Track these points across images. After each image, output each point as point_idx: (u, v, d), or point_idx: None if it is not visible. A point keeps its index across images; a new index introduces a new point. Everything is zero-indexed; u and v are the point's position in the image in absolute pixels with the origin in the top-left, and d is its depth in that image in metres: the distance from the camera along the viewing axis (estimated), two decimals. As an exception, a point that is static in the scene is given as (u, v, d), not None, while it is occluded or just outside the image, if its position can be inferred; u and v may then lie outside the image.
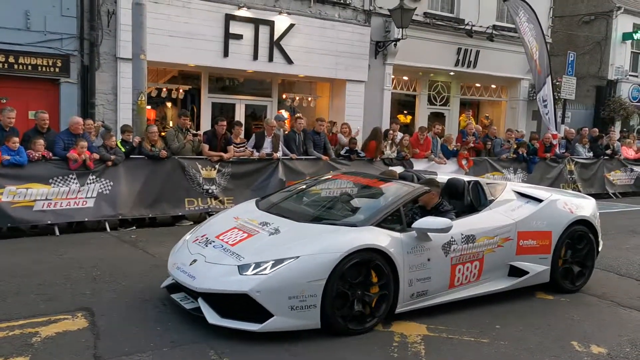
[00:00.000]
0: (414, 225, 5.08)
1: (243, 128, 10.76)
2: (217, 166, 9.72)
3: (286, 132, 11.35)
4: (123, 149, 9.02)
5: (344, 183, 6.48)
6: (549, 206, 6.19)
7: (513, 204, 6.09)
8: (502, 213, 5.92)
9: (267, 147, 10.37)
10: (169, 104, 13.88)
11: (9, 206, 7.95)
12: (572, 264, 6.28)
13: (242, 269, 4.57)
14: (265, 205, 5.87)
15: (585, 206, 6.53)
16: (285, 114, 14.29)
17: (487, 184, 6.35)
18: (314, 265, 4.52)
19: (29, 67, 10.97)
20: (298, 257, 4.55)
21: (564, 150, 14.58)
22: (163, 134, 9.93)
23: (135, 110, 9.67)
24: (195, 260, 4.90)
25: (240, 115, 14.16)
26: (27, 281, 5.92)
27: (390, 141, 11.71)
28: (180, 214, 9.45)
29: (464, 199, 6.12)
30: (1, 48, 10.62)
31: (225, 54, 12.78)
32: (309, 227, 5.09)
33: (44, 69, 11.13)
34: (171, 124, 13.27)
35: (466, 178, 6.42)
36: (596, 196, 14.52)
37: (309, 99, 15.26)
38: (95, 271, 6.36)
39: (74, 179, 8.43)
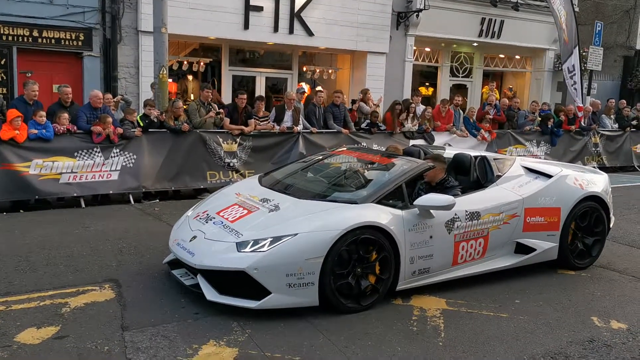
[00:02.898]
0: (415, 203, 5.01)
1: (264, 102, 10.75)
2: (238, 140, 9.77)
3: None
4: (142, 124, 9.11)
5: (348, 159, 6.37)
6: (558, 182, 6.07)
7: (521, 180, 5.98)
8: (509, 189, 5.81)
9: (287, 121, 10.38)
10: (190, 77, 13.92)
11: (36, 179, 8.13)
12: (582, 240, 6.18)
13: (240, 245, 4.56)
14: (268, 182, 5.85)
15: (596, 182, 6.38)
16: (305, 86, 14.24)
17: (494, 159, 6.21)
18: (312, 243, 4.49)
19: (53, 41, 11.08)
20: (296, 234, 4.53)
21: (590, 123, 14.32)
22: (185, 107, 9.98)
23: (157, 84, 9.73)
24: (195, 237, 4.91)
25: (260, 88, 14.15)
26: (55, 253, 6.09)
27: (411, 114, 11.63)
28: (202, 187, 9.56)
29: (470, 175, 6.00)
30: (25, 22, 10.74)
31: (246, 26, 12.73)
32: (309, 204, 5.02)
33: (67, 42, 11.23)
34: (192, 97, 13.34)
35: (473, 153, 6.26)
36: (622, 169, 14.50)
37: (330, 71, 15.17)
38: (120, 243, 6.51)
39: (98, 152, 8.57)
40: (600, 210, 6.24)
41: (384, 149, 7.02)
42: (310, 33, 13.46)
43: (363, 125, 11.26)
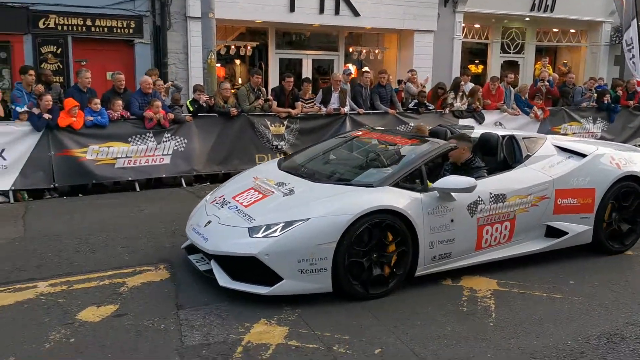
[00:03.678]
0: (434, 185, 4.82)
1: (311, 85, 10.75)
2: (285, 122, 9.83)
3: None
4: (192, 108, 9.28)
5: (368, 141, 6.11)
6: (593, 161, 5.78)
7: (552, 160, 5.71)
8: (539, 170, 5.56)
9: (334, 102, 10.36)
10: (237, 62, 14.06)
11: (93, 164, 8.43)
12: (618, 223, 5.86)
13: (252, 231, 4.49)
14: (286, 165, 5.75)
15: (636, 160, 6.02)
16: (352, 67, 14.15)
17: (524, 138, 5.89)
18: (324, 228, 4.38)
19: (105, 29, 11.39)
20: (308, 219, 4.43)
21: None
22: (233, 91, 10.11)
23: (206, 69, 9.88)
24: (209, 222, 4.87)
25: (307, 70, 14.16)
26: (113, 235, 6.32)
27: (460, 93, 11.40)
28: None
29: (498, 155, 5.73)
30: (79, 11, 11.08)
31: (292, 8, 12.72)
32: (324, 188, 4.91)
33: (118, 30, 11.52)
34: (240, 82, 13.48)
35: (501, 132, 6.00)
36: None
37: (376, 51, 15.01)
38: (173, 225, 6.69)
39: (151, 137, 8.80)
40: (639, 189, 5.88)
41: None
42: (356, 13, 13.34)
43: (410, 105, 11.13)
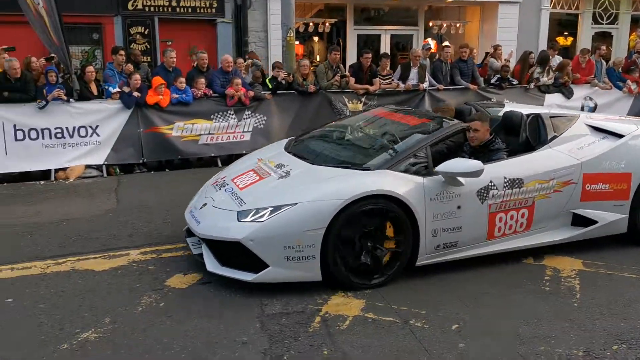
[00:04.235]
0: (437, 168, 4.46)
1: (389, 60, 10.63)
2: (363, 99, 9.81)
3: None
4: (271, 86, 9.44)
5: (380, 120, 5.74)
6: (630, 143, 5.29)
7: (582, 141, 5.24)
8: (565, 152, 5.10)
9: (412, 78, 10.20)
10: (315, 39, 14.10)
11: (179, 140, 8.81)
12: None
13: (240, 215, 4.32)
14: (291, 145, 5.55)
15: None
16: (431, 42, 13.84)
17: (552, 117, 5.39)
18: (312, 213, 4.14)
19: (189, 10, 11.76)
20: (296, 203, 4.20)
21: None
22: (312, 68, 10.17)
23: (285, 47, 9.99)
24: (205, 204, 4.76)
25: (385, 46, 13.99)
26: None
27: (547, 66, 10.90)
28: (329, 146, 9.75)
29: (520, 136, 5.25)
30: (164, -7, 11.47)
31: (370, -17, 12.57)
32: (320, 171, 4.66)
33: (202, 10, 11.85)
34: (318, 59, 13.53)
35: (526, 110, 5.47)
36: None
37: (457, 25, 14.58)
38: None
39: (232, 114, 9.06)
40: None
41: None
42: (436, -14, 13.00)
43: (493, 81, 10.77)
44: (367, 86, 9.83)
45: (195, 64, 9.54)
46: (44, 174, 8.24)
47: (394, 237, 4.37)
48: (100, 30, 11.48)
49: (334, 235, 4.16)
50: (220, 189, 4.93)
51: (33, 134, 8.06)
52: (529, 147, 5.14)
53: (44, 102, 7.97)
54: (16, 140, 7.98)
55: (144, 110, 8.58)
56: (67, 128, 8.25)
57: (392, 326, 3.81)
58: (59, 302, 4.15)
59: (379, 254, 4.33)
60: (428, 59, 10.95)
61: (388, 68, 10.33)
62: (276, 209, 4.23)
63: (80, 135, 8.34)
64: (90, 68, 8.71)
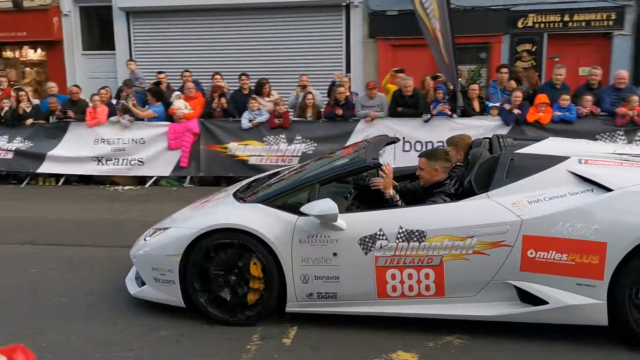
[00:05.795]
0: (302, 208, 4.05)
1: None
2: None
3: None
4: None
5: (333, 155, 5.21)
6: (615, 201, 3.75)
7: (548, 192, 3.88)
8: (507, 204, 3.87)
9: None
10: None
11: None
12: None
13: (146, 234, 4.61)
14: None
15: None
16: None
17: (528, 157, 4.18)
18: (173, 240, 4.26)
19: (582, 23, 11.16)
20: (168, 228, 4.42)
21: None
22: None
23: None
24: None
25: None
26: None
27: None
28: None
29: (466, 180, 4.20)
30: (557, 8, 11.15)
31: None
32: (225, 200, 4.73)
33: (596, 23, 11.11)
34: None
35: (544, 148, 4.36)
36: None
37: None
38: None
39: (622, 135, 8.17)
40: None
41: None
42: None
43: None
44: None
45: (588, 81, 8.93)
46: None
47: (263, 276, 4.09)
48: (487, 49, 11.84)
49: (192, 264, 4.16)
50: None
51: (417, 146, 8.81)
52: (471, 193, 4.03)
53: (429, 116, 8.67)
54: (403, 151, 8.87)
55: (523, 127, 8.46)
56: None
57: None
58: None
59: (240, 291, 4.15)
60: None
61: None
62: (159, 230, 4.50)
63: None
64: (474, 86, 9.06)
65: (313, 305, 4.11)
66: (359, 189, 4.79)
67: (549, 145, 4.51)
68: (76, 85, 10.59)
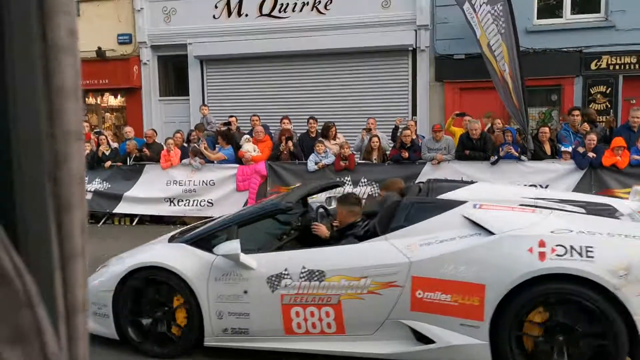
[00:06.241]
0: (214, 249, 4.31)
1: None
2: None
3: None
4: None
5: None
6: (496, 243, 3.77)
7: (438, 235, 3.95)
8: (401, 246, 3.97)
9: None
10: None
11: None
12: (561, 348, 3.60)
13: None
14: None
15: (602, 247, 3.59)
16: None
17: (423, 202, 4.45)
18: (107, 275, 4.54)
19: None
20: (107, 265, 4.69)
21: None
22: None
23: None
24: None
25: None
26: None
27: None
28: None
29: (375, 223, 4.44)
30: (632, 49, 10.79)
31: None
32: (160, 240, 5.13)
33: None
34: None
35: (453, 194, 4.56)
36: None
37: None
38: None
39: None
40: (591, 301, 3.51)
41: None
42: None
43: None
44: None
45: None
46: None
47: (186, 312, 4.39)
48: (559, 92, 11.55)
49: (122, 300, 4.44)
50: None
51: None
52: (375, 235, 4.24)
53: (495, 158, 8.50)
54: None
55: (599, 171, 8.13)
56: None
57: None
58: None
59: (164, 325, 4.41)
60: None
61: None
62: (103, 267, 4.73)
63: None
64: (545, 128, 8.84)
65: (228, 340, 4.33)
66: (304, 230, 4.97)
67: (469, 190, 4.72)
68: (152, 129, 11.11)
